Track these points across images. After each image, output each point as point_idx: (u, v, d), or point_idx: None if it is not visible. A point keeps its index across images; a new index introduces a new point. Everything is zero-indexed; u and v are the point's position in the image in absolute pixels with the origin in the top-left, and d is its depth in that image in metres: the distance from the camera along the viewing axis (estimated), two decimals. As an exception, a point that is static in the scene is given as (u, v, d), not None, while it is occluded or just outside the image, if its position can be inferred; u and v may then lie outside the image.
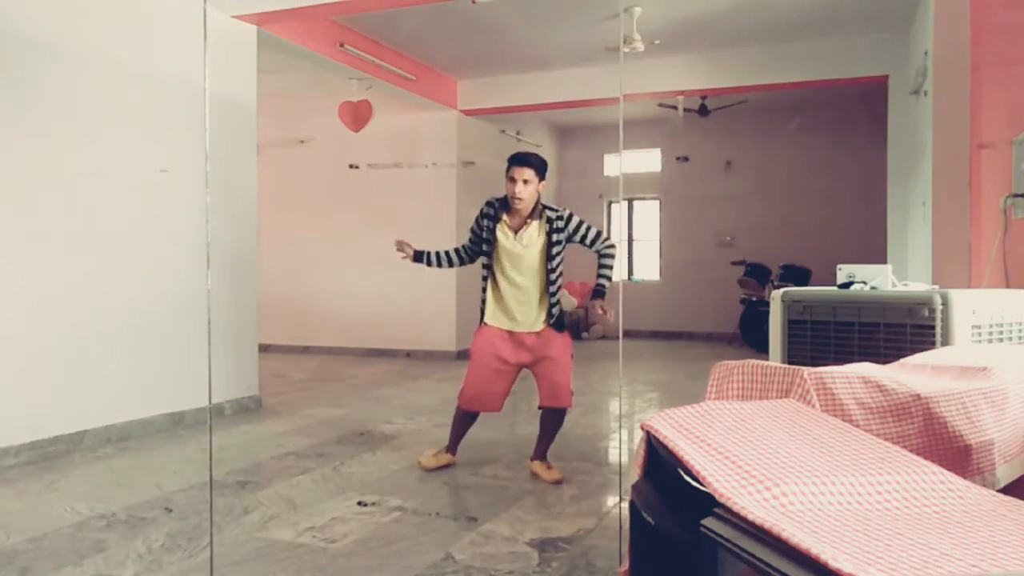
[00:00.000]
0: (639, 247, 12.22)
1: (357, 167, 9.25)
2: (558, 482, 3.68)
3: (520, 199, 3.63)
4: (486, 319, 3.79)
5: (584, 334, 11.47)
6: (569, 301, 10.93)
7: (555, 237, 3.69)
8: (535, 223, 3.71)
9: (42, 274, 4.23)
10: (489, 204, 3.80)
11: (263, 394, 5.89)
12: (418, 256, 3.95)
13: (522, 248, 3.70)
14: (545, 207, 3.75)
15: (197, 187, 5.09)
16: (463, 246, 3.97)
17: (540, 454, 3.85)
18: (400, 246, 3.95)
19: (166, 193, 4.94)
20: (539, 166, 3.68)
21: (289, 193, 9.30)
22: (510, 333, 3.76)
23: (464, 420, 3.92)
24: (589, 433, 4.92)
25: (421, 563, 2.65)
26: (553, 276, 3.73)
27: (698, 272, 11.20)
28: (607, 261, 3.77)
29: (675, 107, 9.10)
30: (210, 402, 5.27)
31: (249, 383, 5.71)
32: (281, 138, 9.36)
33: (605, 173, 11.99)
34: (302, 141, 9.49)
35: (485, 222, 3.78)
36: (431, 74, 8.16)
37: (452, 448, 3.96)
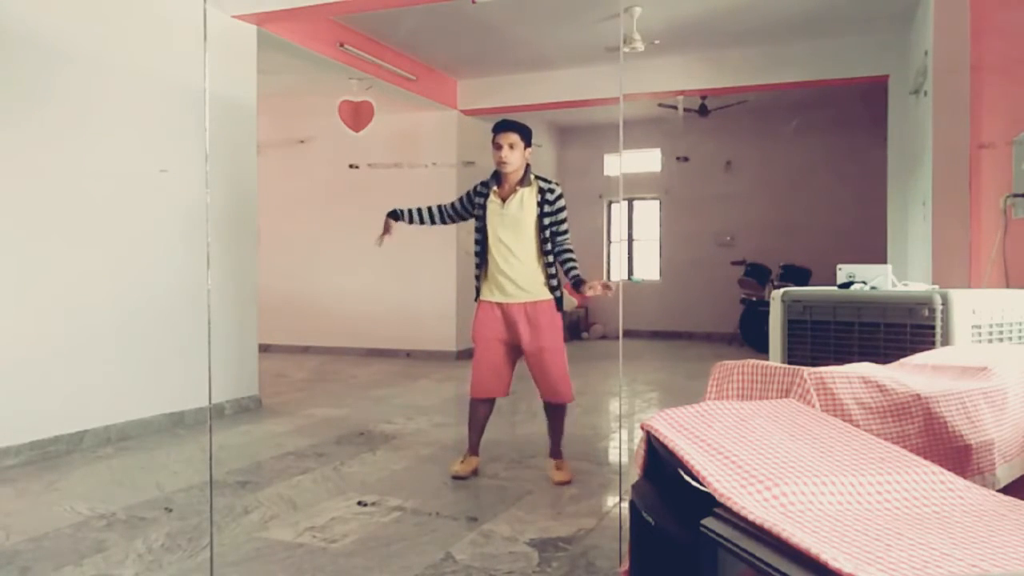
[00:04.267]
0: (639, 247, 12.22)
1: (357, 167, 9.24)
2: (564, 483, 3.67)
3: (506, 163, 3.65)
4: (481, 295, 3.80)
5: (584, 334, 11.47)
6: (569, 301, 10.95)
7: (546, 208, 3.69)
8: (525, 190, 3.71)
9: (42, 274, 4.22)
10: (481, 183, 3.84)
11: (263, 394, 5.89)
12: (395, 215, 3.92)
13: (511, 215, 3.69)
14: (538, 177, 3.76)
15: (197, 187, 5.09)
16: (445, 205, 3.96)
17: (553, 451, 3.82)
18: (381, 238, 3.92)
19: (166, 193, 4.94)
20: (523, 131, 3.71)
21: (289, 193, 9.29)
22: (501, 307, 3.73)
23: (475, 411, 3.85)
24: (589, 433, 4.92)
25: (421, 563, 2.65)
26: (548, 246, 3.69)
27: (698, 272, 11.20)
28: (571, 256, 3.74)
29: (675, 107, 9.10)
30: (210, 402, 5.27)
31: (249, 383, 5.71)
32: (281, 138, 9.36)
33: (605, 173, 11.99)
34: (302, 141, 9.49)
35: (477, 199, 3.81)
36: (431, 74, 8.16)
37: (474, 448, 3.86)
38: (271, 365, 7.58)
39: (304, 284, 9.36)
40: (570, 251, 3.75)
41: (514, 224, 3.69)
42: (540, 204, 3.69)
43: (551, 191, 3.71)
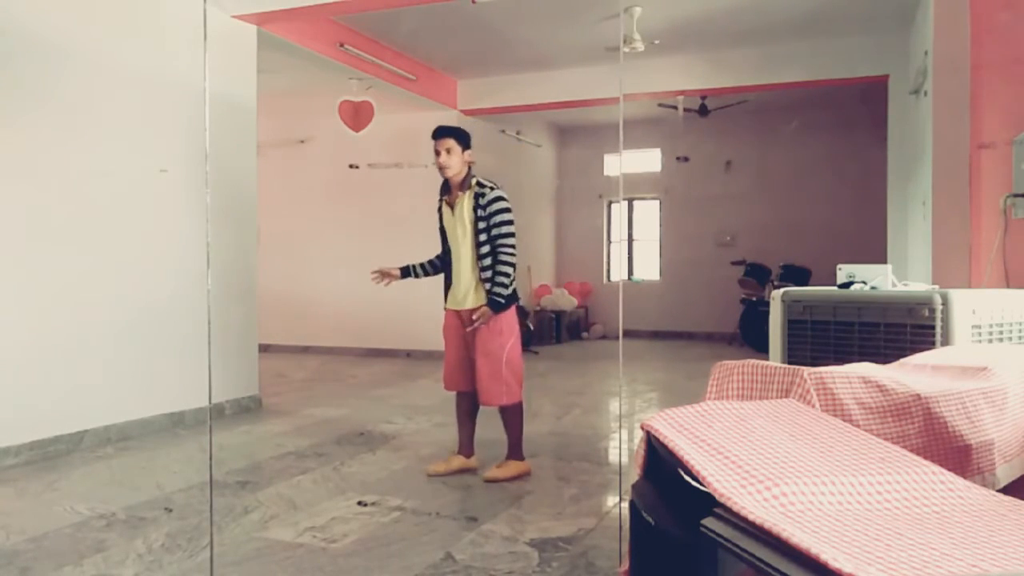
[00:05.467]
0: (639, 247, 12.22)
1: (357, 167, 9.24)
2: (490, 479, 3.70)
3: (445, 167, 3.74)
4: (446, 302, 3.94)
5: (584, 334, 11.47)
6: (569, 301, 10.95)
7: (479, 213, 3.69)
8: (466, 195, 3.75)
9: (43, 274, 4.23)
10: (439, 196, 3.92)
11: (263, 394, 5.89)
12: (405, 272, 4.02)
13: (455, 221, 3.77)
14: (479, 182, 3.76)
15: (197, 187, 5.10)
16: (438, 255, 4.02)
17: (509, 453, 3.85)
18: (381, 276, 4.00)
19: (166, 193, 4.94)
20: (458, 135, 3.76)
21: (289, 193, 9.29)
22: (456, 312, 3.85)
23: (456, 405, 3.93)
24: (589, 433, 4.92)
25: (421, 563, 2.65)
26: (483, 251, 3.69)
27: (698, 272, 11.20)
28: (503, 270, 3.68)
29: (675, 107, 9.10)
30: (210, 402, 5.27)
31: (249, 383, 5.71)
32: (281, 138, 9.36)
33: (605, 173, 11.99)
34: (302, 141, 9.49)
35: (438, 213, 3.92)
36: (431, 74, 8.16)
37: (462, 446, 3.91)
38: (271, 365, 7.58)
39: (304, 284, 9.36)
40: (503, 264, 3.67)
41: (456, 232, 3.77)
42: (474, 209, 3.71)
43: (483, 195, 3.70)
